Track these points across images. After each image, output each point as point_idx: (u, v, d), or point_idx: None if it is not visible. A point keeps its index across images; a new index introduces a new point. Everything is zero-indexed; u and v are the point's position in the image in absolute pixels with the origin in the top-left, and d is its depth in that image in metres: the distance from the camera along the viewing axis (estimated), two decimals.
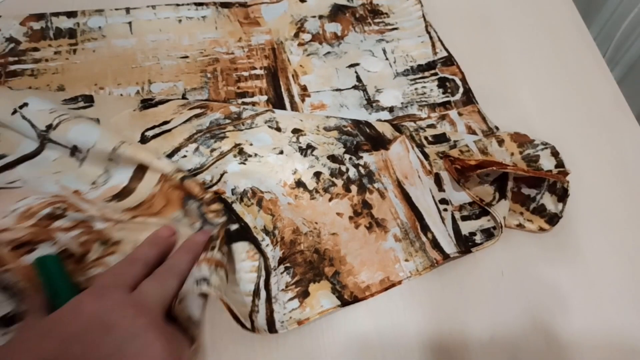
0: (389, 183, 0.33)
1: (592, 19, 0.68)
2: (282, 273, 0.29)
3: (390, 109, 0.38)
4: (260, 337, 0.27)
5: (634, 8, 0.61)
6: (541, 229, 0.31)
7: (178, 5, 0.42)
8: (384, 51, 0.41)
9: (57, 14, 0.40)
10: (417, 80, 0.39)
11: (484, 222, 0.32)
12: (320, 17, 0.43)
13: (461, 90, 0.38)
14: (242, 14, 0.42)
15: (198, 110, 0.35)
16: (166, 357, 0.23)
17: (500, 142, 0.34)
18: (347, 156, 0.33)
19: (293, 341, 0.28)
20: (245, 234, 0.30)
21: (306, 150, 0.33)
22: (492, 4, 0.45)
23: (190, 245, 0.29)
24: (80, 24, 0.40)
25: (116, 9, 0.41)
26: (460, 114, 0.37)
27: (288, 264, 0.30)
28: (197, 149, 0.33)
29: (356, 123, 0.35)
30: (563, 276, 0.30)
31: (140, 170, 0.32)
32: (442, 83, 0.39)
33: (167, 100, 0.35)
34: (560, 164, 0.32)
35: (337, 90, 0.39)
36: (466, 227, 0.32)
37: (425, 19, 0.42)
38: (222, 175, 0.33)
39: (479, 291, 0.30)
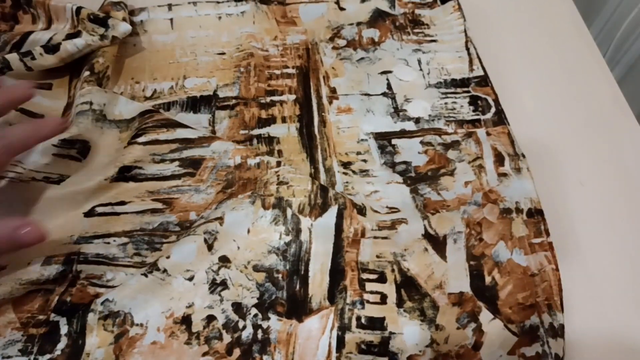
0: (281, 359, 0.27)
1: (592, 19, 0.67)
2: None
3: (417, 120, 0.35)
4: None
5: (634, 8, 0.60)
6: None
7: (218, 2, 0.41)
8: (419, 61, 0.38)
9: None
10: (449, 95, 0.36)
11: None
12: (359, 23, 0.40)
13: (493, 110, 0.35)
14: (279, 12, 0.41)
15: (159, 205, 0.31)
16: None
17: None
18: (253, 311, 0.27)
19: None
20: None
21: (218, 286, 0.28)
22: (492, 3, 0.43)
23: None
24: (126, 19, 0.38)
25: (159, 6, 0.40)
26: (488, 134, 0.34)
27: None
28: (125, 244, 0.29)
29: (292, 274, 0.28)
30: (563, 276, 0.28)
31: None
32: (474, 101, 0.36)
33: (144, 179, 0.31)
34: None
35: (366, 95, 0.37)
36: None
37: (466, 34, 0.39)
38: (115, 286, 0.28)
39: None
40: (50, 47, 0.34)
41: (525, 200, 0.31)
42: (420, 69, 0.38)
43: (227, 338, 0.26)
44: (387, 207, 0.31)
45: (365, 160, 0.33)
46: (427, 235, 0.30)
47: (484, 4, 0.43)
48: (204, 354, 0.26)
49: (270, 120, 0.35)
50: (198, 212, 0.31)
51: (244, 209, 0.30)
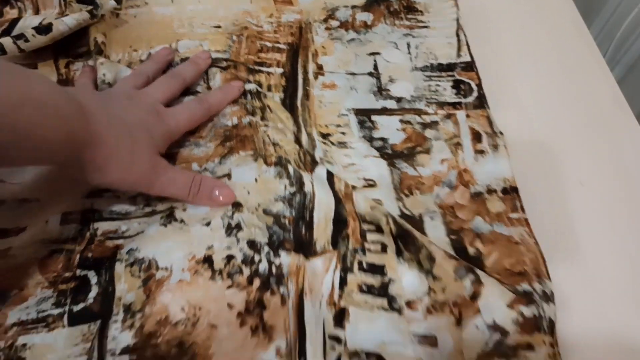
0: (293, 291, 0.28)
1: (592, 19, 0.67)
2: None
3: (399, 100, 0.36)
4: None
5: (634, 8, 0.60)
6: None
7: None
8: (408, 45, 0.38)
9: None
10: (433, 78, 0.37)
11: None
12: (354, 7, 0.41)
13: (475, 94, 0.36)
14: None
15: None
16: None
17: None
18: (266, 249, 0.28)
19: None
20: (91, 314, 0.26)
21: (233, 229, 0.29)
22: (492, 3, 0.43)
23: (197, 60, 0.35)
24: None
25: None
26: (468, 116, 0.34)
27: (134, 357, 0.25)
28: (134, 197, 0.30)
29: (298, 220, 0.30)
30: (563, 276, 0.29)
31: None
32: (457, 84, 0.36)
33: None
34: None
35: (351, 74, 0.37)
36: None
37: (458, 22, 0.40)
38: (137, 233, 0.29)
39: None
40: (43, 28, 0.34)
41: (498, 180, 0.31)
42: (409, 53, 0.39)
43: (246, 271, 0.28)
44: (364, 179, 0.32)
45: (344, 133, 0.34)
46: (403, 216, 0.30)
47: (485, 4, 0.43)
48: (229, 287, 0.27)
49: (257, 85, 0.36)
50: (200, 163, 0.32)
51: (248, 165, 0.31)
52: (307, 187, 0.30)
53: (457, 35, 0.40)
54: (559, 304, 0.28)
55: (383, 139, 0.34)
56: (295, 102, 0.36)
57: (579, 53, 0.40)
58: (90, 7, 0.37)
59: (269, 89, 0.36)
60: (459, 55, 0.38)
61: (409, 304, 0.27)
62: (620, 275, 0.29)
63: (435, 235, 0.29)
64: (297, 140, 0.33)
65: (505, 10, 0.43)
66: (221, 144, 0.32)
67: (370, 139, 0.34)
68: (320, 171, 0.31)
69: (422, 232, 0.29)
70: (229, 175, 0.31)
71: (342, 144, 0.33)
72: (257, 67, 0.37)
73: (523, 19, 0.42)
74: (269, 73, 0.37)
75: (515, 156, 0.33)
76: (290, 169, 0.31)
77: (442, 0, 0.42)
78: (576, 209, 0.32)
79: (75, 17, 0.36)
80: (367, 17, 0.41)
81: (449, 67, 0.38)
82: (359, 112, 0.35)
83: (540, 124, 0.35)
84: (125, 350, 0.25)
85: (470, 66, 0.38)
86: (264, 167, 0.31)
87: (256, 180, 0.31)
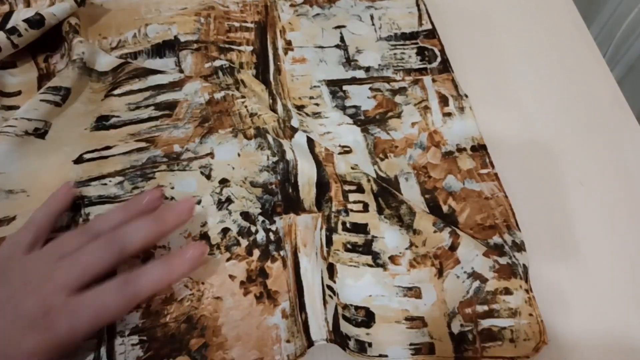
0: (289, 251, 0.29)
1: (592, 19, 0.67)
2: (133, 345, 0.25)
3: (367, 69, 0.37)
4: None
5: (634, 8, 0.59)
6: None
7: None
8: (372, 17, 0.40)
9: None
10: (398, 46, 0.38)
11: (361, 333, 0.26)
12: None
13: (439, 59, 0.37)
14: None
15: (143, 144, 0.32)
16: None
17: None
18: (261, 218, 0.30)
19: None
20: None
21: (224, 203, 0.30)
22: (492, 3, 0.42)
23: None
24: None
25: None
26: (434, 80, 0.36)
27: (144, 337, 0.25)
28: (121, 182, 0.30)
29: (284, 182, 0.31)
30: (563, 276, 0.28)
31: None
32: (421, 51, 0.38)
33: (122, 125, 0.33)
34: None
35: (319, 47, 0.38)
36: (343, 328, 0.26)
37: None
38: None
39: None
40: (35, 22, 0.34)
41: (467, 140, 0.33)
42: (373, 24, 0.39)
43: (244, 242, 0.29)
44: (339, 145, 0.33)
45: (317, 104, 0.34)
46: (379, 177, 0.31)
47: (485, 4, 0.42)
48: (228, 260, 0.28)
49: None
50: (181, 144, 0.32)
51: (228, 142, 0.32)
52: (289, 155, 0.31)
53: (417, 5, 0.41)
54: (559, 304, 0.28)
55: (355, 107, 0.34)
56: (268, 78, 0.36)
57: (579, 53, 0.39)
58: None
59: (241, 66, 0.36)
60: (420, 24, 0.39)
61: (392, 258, 0.28)
62: (620, 275, 0.29)
63: (411, 195, 0.31)
64: (274, 111, 0.34)
65: (505, 10, 0.42)
66: (200, 124, 0.33)
67: (343, 108, 0.34)
68: (300, 137, 0.32)
69: (399, 192, 0.30)
70: (211, 155, 0.31)
71: (316, 114, 0.34)
72: (227, 46, 0.37)
73: (523, 19, 0.42)
74: (239, 51, 0.37)
75: (515, 156, 0.33)
76: (270, 138, 0.32)
77: None
78: (576, 209, 0.31)
79: (62, 6, 0.36)
80: None
81: (412, 36, 0.39)
82: (330, 83, 0.36)
83: (540, 124, 0.35)
84: (135, 331, 0.26)
85: (432, 33, 0.39)
86: (245, 141, 0.32)
87: (239, 155, 0.32)
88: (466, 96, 0.35)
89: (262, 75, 0.36)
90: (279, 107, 0.34)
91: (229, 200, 0.30)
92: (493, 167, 0.32)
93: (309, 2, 0.41)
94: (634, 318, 0.28)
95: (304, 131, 0.33)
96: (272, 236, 0.29)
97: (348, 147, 0.33)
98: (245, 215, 0.30)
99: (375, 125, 0.34)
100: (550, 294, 0.28)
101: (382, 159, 0.32)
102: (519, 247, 0.29)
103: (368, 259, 0.28)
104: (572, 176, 0.33)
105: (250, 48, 0.38)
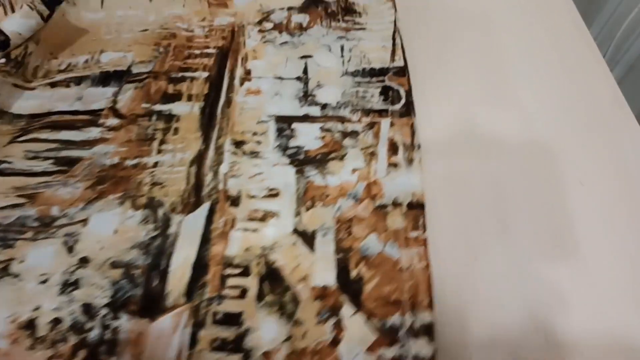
0: None
1: (592, 19, 0.66)
2: None
3: (323, 106, 0.32)
4: None
5: (634, 8, 0.59)
6: None
7: None
8: (342, 48, 0.35)
9: None
10: (362, 84, 0.34)
11: None
12: (290, 8, 0.38)
13: (403, 101, 0.33)
14: None
15: (22, 200, 0.28)
16: None
17: None
18: (103, 311, 0.24)
19: None
20: None
21: (69, 286, 0.25)
22: (492, 3, 0.40)
23: None
24: None
25: None
26: (392, 124, 0.32)
27: None
28: None
29: (152, 268, 0.26)
30: (563, 276, 0.27)
31: None
32: (385, 91, 0.33)
33: (10, 174, 0.29)
34: None
35: (279, 78, 0.34)
36: None
37: (395, 24, 0.37)
38: None
39: (478, 291, 0.27)
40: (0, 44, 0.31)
41: (406, 194, 0.29)
42: (342, 56, 0.35)
43: (72, 340, 0.24)
44: (267, 188, 0.29)
45: (259, 142, 0.31)
46: (296, 232, 0.27)
47: (485, 4, 0.40)
48: (49, 358, 0.23)
49: (175, 97, 0.32)
50: (62, 207, 0.27)
51: (111, 210, 0.27)
52: (171, 229, 0.27)
53: (393, 39, 0.36)
54: (559, 304, 0.26)
55: (299, 147, 0.31)
56: (216, 111, 0.32)
57: (579, 53, 0.36)
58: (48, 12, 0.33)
59: (189, 98, 0.32)
60: (392, 60, 0.35)
61: (267, 354, 0.24)
62: (620, 275, 0.27)
63: (323, 250, 0.27)
64: (199, 161, 0.30)
65: (505, 11, 0.39)
66: (92, 186, 0.28)
67: (285, 148, 0.30)
68: (201, 210, 0.28)
69: (311, 247, 0.27)
70: (84, 222, 0.27)
71: (254, 154, 0.30)
72: (180, 75, 0.33)
73: (523, 19, 0.39)
74: (192, 79, 0.33)
75: (515, 156, 0.31)
76: (160, 212, 0.27)
77: (381, 2, 0.38)
78: (576, 209, 0.29)
79: (28, 23, 0.33)
80: (303, 18, 0.37)
81: (381, 72, 0.34)
82: (279, 119, 0.32)
83: (540, 124, 0.33)
84: None
85: (402, 71, 0.34)
86: (130, 211, 0.27)
87: (116, 231, 0.27)
88: (419, 147, 0.31)
89: (211, 107, 0.32)
90: (210, 153, 0.30)
91: (75, 285, 0.25)
92: (425, 230, 0.27)
93: (278, 27, 0.37)
94: (634, 318, 0.26)
95: (233, 176, 0.29)
96: (108, 334, 0.24)
97: (276, 190, 0.29)
98: (86, 308, 0.24)
99: (313, 166, 0.30)
100: (550, 294, 0.26)
101: (307, 209, 0.28)
102: (418, 332, 0.24)
103: (238, 358, 0.24)
104: (572, 176, 0.32)
105: (206, 74, 0.34)
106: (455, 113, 0.34)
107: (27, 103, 0.32)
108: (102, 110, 0.31)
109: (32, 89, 0.32)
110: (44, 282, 0.25)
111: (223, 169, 0.30)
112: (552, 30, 0.38)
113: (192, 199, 0.28)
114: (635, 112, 0.33)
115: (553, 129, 0.33)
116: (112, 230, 0.26)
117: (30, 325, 0.24)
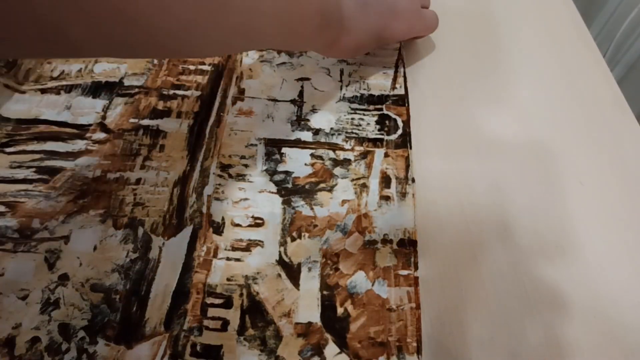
0: None
1: (592, 19, 0.66)
2: None
3: (316, 132, 0.31)
4: None
5: (634, 8, 0.59)
6: None
7: None
8: (341, 72, 0.34)
9: None
10: (358, 111, 0.33)
11: None
12: None
13: (399, 132, 0.31)
14: None
15: (3, 209, 0.28)
16: None
17: None
18: (81, 334, 0.24)
19: None
20: None
21: (49, 305, 0.25)
22: (492, 3, 0.40)
23: None
24: None
25: None
26: (386, 155, 0.30)
27: None
28: None
29: (131, 294, 0.25)
30: (563, 276, 0.27)
31: None
32: (382, 120, 0.32)
33: None
34: None
35: (273, 100, 0.33)
36: None
37: (400, 52, 0.35)
38: None
39: (479, 291, 0.27)
40: None
41: (397, 231, 0.27)
42: (340, 80, 0.34)
43: None
44: (252, 217, 0.28)
45: (246, 165, 0.29)
46: (281, 262, 0.26)
47: (485, 4, 0.40)
48: None
49: (165, 113, 0.31)
50: (42, 220, 0.26)
51: (92, 227, 0.26)
52: (153, 254, 0.26)
53: (396, 67, 0.35)
54: (559, 304, 0.27)
55: (287, 172, 0.29)
56: (204, 130, 0.31)
57: (579, 53, 0.36)
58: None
59: (179, 115, 0.31)
60: (393, 88, 0.34)
61: None
62: (621, 275, 0.28)
63: (308, 288, 0.26)
64: (183, 182, 0.29)
65: (505, 11, 0.39)
66: (74, 200, 0.27)
67: (272, 173, 0.29)
68: (183, 235, 0.27)
69: (297, 282, 0.26)
70: (66, 239, 0.26)
71: (240, 177, 0.29)
72: (171, 92, 0.32)
73: (523, 19, 0.39)
74: (183, 97, 0.32)
75: (515, 156, 0.31)
76: (140, 232, 0.26)
77: None
78: (576, 209, 0.30)
79: None
80: None
81: (380, 100, 0.33)
82: (269, 143, 0.31)
83: (540, 124, 0.33)
84: None
85: (402, 100, 0.33)
86: (111, 230, 0.26)
87: (95, 248, 0.26)
88: (413, 181, 0.30)
89: (200, 126, 0.31)
90: (195, 174, 0.29)
91: (56, 304, 0.24)
92: (416, 268, 0.26)
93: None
94: (634, 318, 0.27)
95: (217, 198, 0.28)
96: (84, 359, 0.23)
97: (261, 219, 0.28)
98: (64, 327, 0.24)
99: (300, 196, 0.28)
100: (550, 294, 0.27)
101: (293, 239, 0.27)
102: None
103: None
104: (572, 176, 0.32)
105: (198, 93, 0.32)
106: (455, 113, 0.34)
107: (15, 106, 0.31)
108: (90, 125, 0.31)
109: (23, 92, 0.32)
110: (23, 298, 0.24)
111: (207, 190, 0.29)
112: (552, 30, 0.38)
113: (174, 221, 0.27)
114: (635, 112, 0.33)
115: (553, 128, 0.33)
116: (92, 246, 0.26)
117: (8, 344, 0.23)
